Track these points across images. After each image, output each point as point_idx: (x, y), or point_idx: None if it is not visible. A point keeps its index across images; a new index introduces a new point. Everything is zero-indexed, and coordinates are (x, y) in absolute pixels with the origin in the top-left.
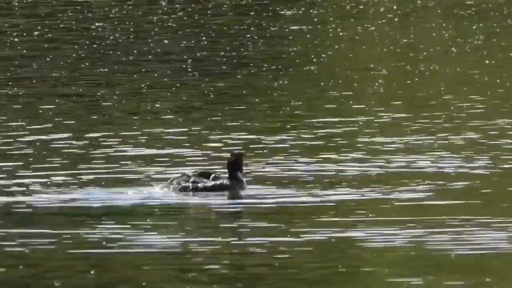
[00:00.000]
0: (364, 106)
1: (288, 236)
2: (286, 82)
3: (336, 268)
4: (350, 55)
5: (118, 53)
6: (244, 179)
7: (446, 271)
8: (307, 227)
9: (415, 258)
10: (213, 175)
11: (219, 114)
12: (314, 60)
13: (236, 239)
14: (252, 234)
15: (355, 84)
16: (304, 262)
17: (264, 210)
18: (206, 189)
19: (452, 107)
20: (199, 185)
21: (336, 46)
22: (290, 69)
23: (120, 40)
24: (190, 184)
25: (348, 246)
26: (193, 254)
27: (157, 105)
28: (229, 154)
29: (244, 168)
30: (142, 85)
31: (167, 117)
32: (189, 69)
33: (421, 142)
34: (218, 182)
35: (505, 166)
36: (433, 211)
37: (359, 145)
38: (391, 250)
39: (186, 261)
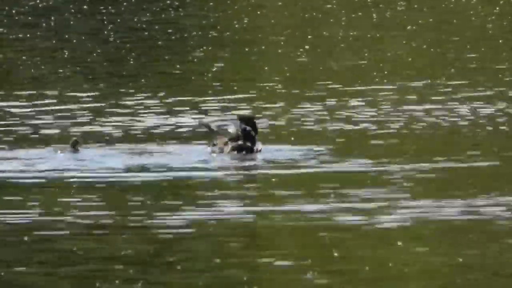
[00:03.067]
0: (269, 74)
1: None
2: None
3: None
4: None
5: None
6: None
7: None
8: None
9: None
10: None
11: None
12: (235, 26)
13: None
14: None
15: (263, 47)
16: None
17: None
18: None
19: (354, 71)
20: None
21: (242, 15)
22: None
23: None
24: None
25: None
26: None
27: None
28: (238, 117)
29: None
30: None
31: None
32: (85, 39)
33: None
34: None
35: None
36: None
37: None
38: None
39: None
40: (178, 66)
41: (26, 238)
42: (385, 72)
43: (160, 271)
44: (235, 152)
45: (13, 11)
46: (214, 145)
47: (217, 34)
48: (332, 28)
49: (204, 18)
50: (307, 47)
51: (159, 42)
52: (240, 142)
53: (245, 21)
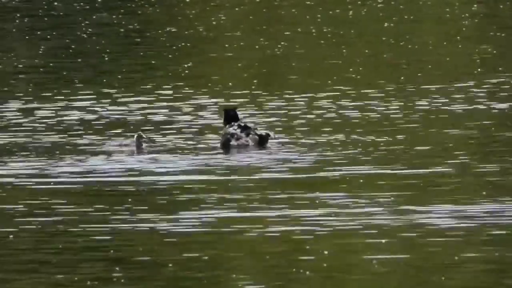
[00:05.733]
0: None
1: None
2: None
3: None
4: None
5: None
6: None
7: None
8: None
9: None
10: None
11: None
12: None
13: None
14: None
15: (241, 43)
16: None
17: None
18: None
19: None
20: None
21: (222, 11)
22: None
23: None
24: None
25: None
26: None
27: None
28: (223, 109)
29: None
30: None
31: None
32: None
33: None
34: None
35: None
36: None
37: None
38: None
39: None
40: (154, 62)
41: None
42: (360, 69)
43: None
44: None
45: None
46: (235, 138)
47: (192, 31)
48: (308, 25)
49: (171, 13)
50: (283, 43)
51: (137, 39)
52: (260, 132)
53: (223, 17)
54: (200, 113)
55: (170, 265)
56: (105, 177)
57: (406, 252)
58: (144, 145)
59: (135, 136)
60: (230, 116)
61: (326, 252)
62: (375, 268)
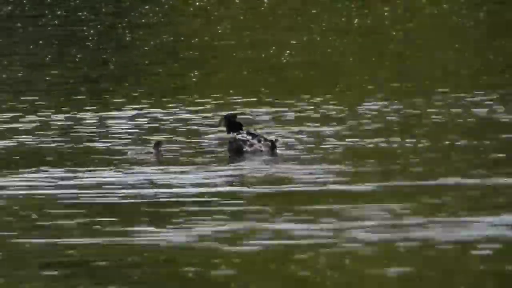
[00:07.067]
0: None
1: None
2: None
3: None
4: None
5: None
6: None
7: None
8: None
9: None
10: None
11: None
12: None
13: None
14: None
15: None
16: None
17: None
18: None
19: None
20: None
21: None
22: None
23: None
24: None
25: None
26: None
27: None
28: (223, 117)
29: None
30: None
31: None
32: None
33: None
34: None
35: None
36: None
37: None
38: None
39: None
40: (160, 70)
41: None
42: (365, 77)
43: None
44: (271, 150)
45: None
46: (248, 144)
47: (197, 40)
48: (313, 33)
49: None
50: (288, 51)
51: (144, 48)
52: (271, 137)
53: (228, 26)
54: (209, 122)
55: (164, 281)
56: (114, 189)
57: (403, 265)
58: (162, 152)
59: (154, 143)
60: (232, 123)
61: (326, 264)
62: (372, 282)
